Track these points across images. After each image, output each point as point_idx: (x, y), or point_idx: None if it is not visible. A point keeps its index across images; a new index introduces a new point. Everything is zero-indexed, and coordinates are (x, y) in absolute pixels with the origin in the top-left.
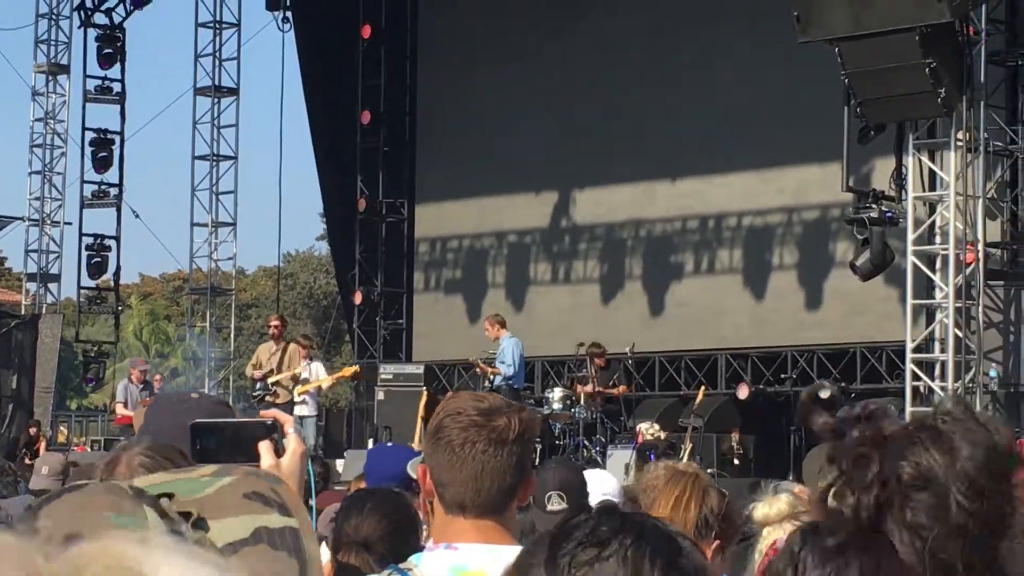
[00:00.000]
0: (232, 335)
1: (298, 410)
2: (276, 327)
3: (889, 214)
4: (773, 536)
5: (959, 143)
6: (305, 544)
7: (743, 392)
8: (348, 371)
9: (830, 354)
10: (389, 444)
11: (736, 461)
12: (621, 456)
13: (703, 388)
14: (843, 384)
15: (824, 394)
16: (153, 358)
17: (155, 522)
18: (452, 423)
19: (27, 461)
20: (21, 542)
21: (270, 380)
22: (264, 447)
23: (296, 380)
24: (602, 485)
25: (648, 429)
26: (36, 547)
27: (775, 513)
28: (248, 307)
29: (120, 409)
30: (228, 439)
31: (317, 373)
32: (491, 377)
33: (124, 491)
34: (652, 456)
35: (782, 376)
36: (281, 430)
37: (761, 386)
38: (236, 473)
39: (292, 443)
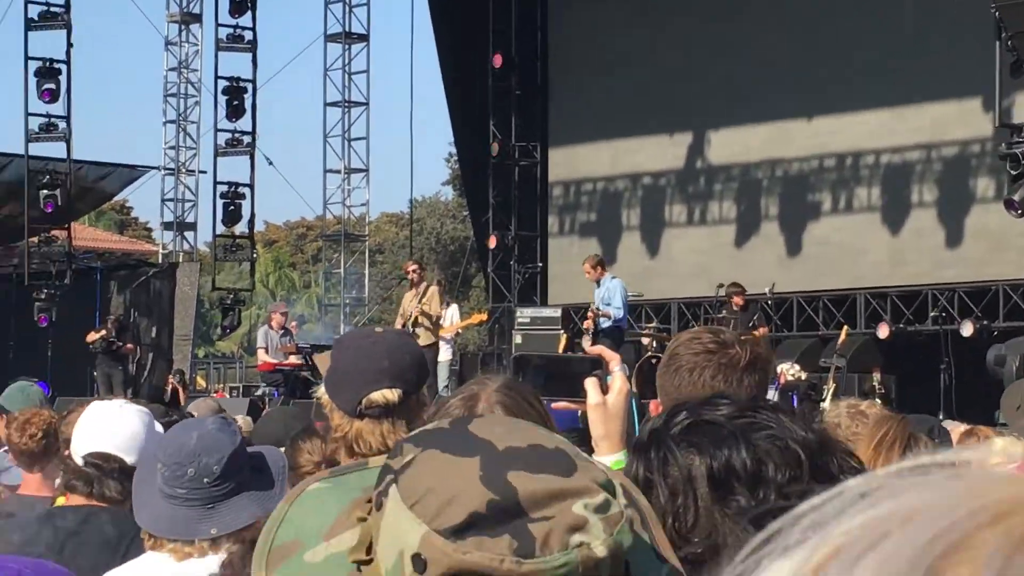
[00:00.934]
0: (365, 280)
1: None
2: (415, 271)
3: None
4: None
5: None
6: (636, 497)
7: (883, 331)
8: (478, 317)
9: (971, 292)
10: None
11: (878, 401)
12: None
13: (845, 328)
14: (985, 322)
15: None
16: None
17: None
18: (686, 350)
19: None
20: None
21: (409, 322)
22: (590, 384)
23: (430, 320)
24: None
25: (789, 370)
26: None
27: (999, 456)
28: (375, 253)
29: (262, 355)
30: (552, 373)
31: (452, 317)
32: (598, 322)
33: None
34: (794, 397)
35: (926, 314)
36: (606, 367)
37: (901, 325)
38: None
39: (618, 381)
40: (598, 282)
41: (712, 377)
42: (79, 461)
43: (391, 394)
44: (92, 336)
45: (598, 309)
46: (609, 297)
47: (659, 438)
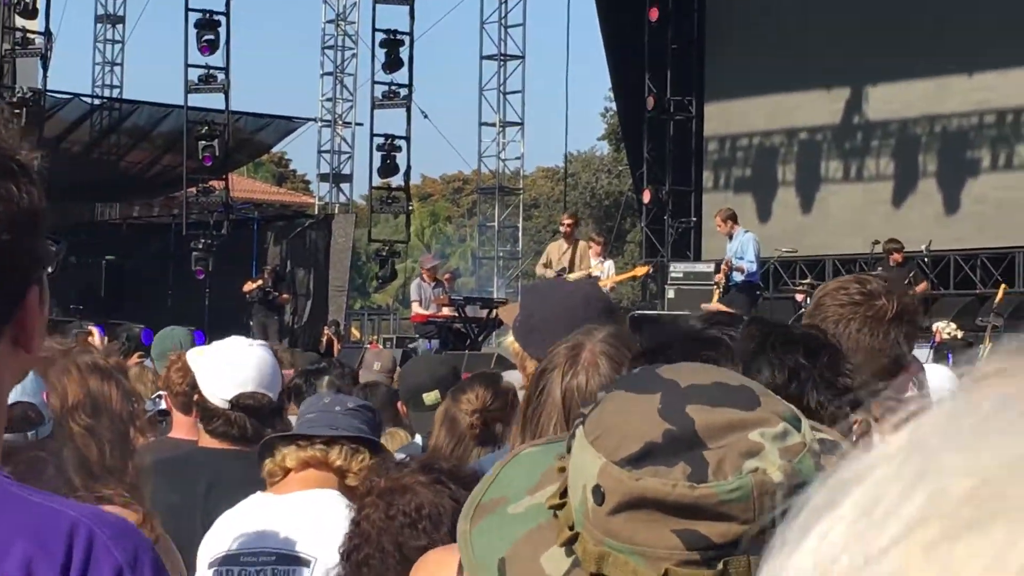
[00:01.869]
0: (520, 234)
1: None
2: (568, 225)
3: None
4: None
5: None
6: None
7: None
8: (640, 270)
9: None
10: None
11: None
12: (919, 355)
13: (1003, 286)
14: None
15: None
16: (435, 258)
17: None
18: (831, 301)
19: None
20: None
21: (568, 278)
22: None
23: (589, 277)
24: (937, 379)
25: (945, 328)
26: None
27: None
28: (529, 207)
29: (416, 308)
30: (668, 332)
31: (608, 271)
32: (730, 276)
33: None
34: (950, 356)
35: None
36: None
37: None
38: None
39: None
40: (730, 236)
41: (858, 330)
42: (219, 403)
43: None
44: (249, 286)
45: (731, 262)
46: (742, 251)
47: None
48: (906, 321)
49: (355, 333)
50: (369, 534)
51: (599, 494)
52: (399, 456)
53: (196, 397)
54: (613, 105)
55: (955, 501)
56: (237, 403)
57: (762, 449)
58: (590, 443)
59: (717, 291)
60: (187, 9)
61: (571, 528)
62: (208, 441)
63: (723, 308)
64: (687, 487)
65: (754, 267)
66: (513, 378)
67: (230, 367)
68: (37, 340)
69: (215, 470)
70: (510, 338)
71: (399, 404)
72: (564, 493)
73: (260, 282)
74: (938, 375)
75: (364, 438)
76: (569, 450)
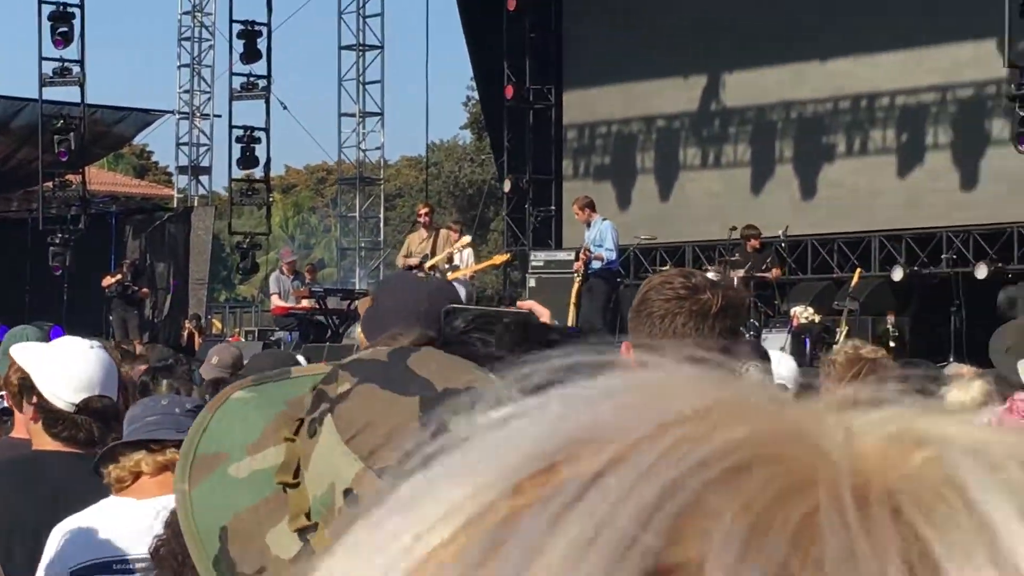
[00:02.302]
0: (381, 224)
1: None
2: (426, 215)
3: None
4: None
5: None
6: None
7: (897, 274)
8: (499, 258)
9: (986, 234)
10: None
11: (892, 344)
12: (776, 340)
13: (859, 271)
14: (1000, 264)
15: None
16: (299, 249)
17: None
18: (656, 296)
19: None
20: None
21: (427, 265)
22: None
23: (450, 263)
24: (783, 370)
25: (803, 313)
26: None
27: (970, 400)
28: (394, 197)
29: (275, 300)
30: (480, 325)
31: (468, 260)
32: (589, 264)
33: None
34: (807, 340)
35: (940, 257)
36: None
37: (915, 268)
38: None
39: None
40: (588, 224)
41: (683, 324)
42: (63, 406)
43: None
44: (108, 280)
45: (589, 251)
46: (600, 239)
47: None
48: (731, 315)
49: (217, 326)
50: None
51: (354, 499)
52: None
53: (34, 399)
54: (475, 94)
55: None
56: (86, 407)
57: None
58: (344, 442)
59: (577, 279)
60: (40, 1)
61: (307, 516)
62: (47, 443)
63: (534, 305)
64: None
65: (613, 255)
66: None
67: (74, 369)
68: None
69: (62, 475)
70: (358, 329)
71: None
72: (297, 471)
73: (119, 276)
74: (784, 365)
75: None
76: (312, 433)
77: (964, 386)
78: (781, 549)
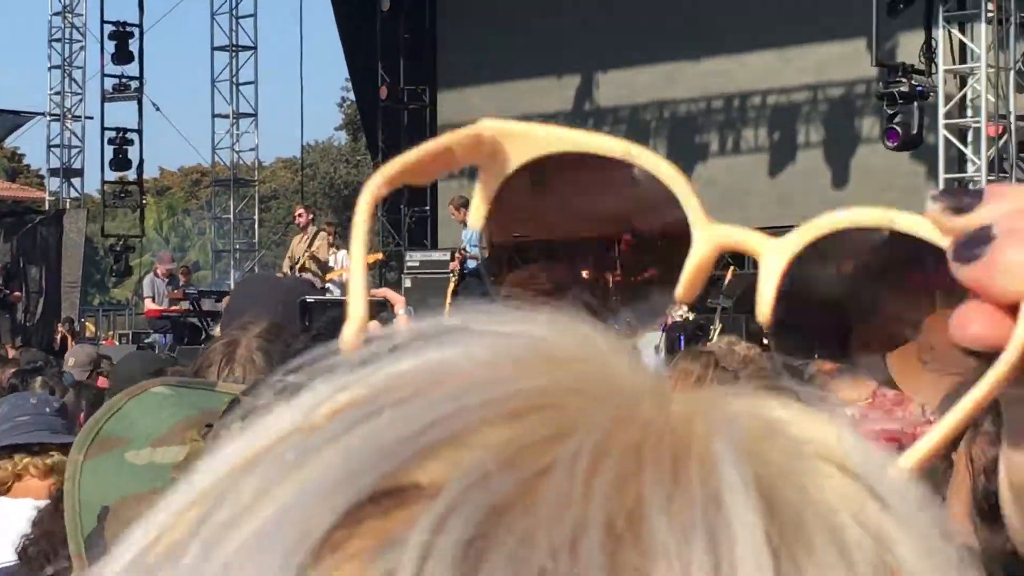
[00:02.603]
0: (256, 226)
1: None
2: (300, 216)
3: (920, 88)
4: None
5: (990, 14)
6: None
7: None
8: (371, 257)
9: None
10: None
11: (765, 341)
12: (650, 338)
13: (732, 268)
14: None
15: None
16: (173, 251)
17: None
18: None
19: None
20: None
21: (297, 267)
22: (373, 327)
23: (318, 263)
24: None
25: (676, 311)
26: None
27: (858, 396)
28: (268, 199)
29: (149, 304)
30: (338, 317)
31: (343, 261)
32: (465, 264)
33: None
34: (681, 338)
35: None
36: (391, 309)
37: None
38: None
39: (400, 324)
40: (464, 224)
41: None
42: None
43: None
44: None
45: (465, 250)
46: (476, 239)
47: None
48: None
49: (90, 329)
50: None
51: None
52: None
53: None
54: (350, 95)
55: None
56: None
57: None
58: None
59: (453, 279)
60: None
61: None
62: None
63: (388, 292)
64: None
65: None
66: None
67: None
68: None
69: None
70: (218, 328)
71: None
72: None
73: None
74: (657, 364)
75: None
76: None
77: (849, 383)
78: (510, 486)
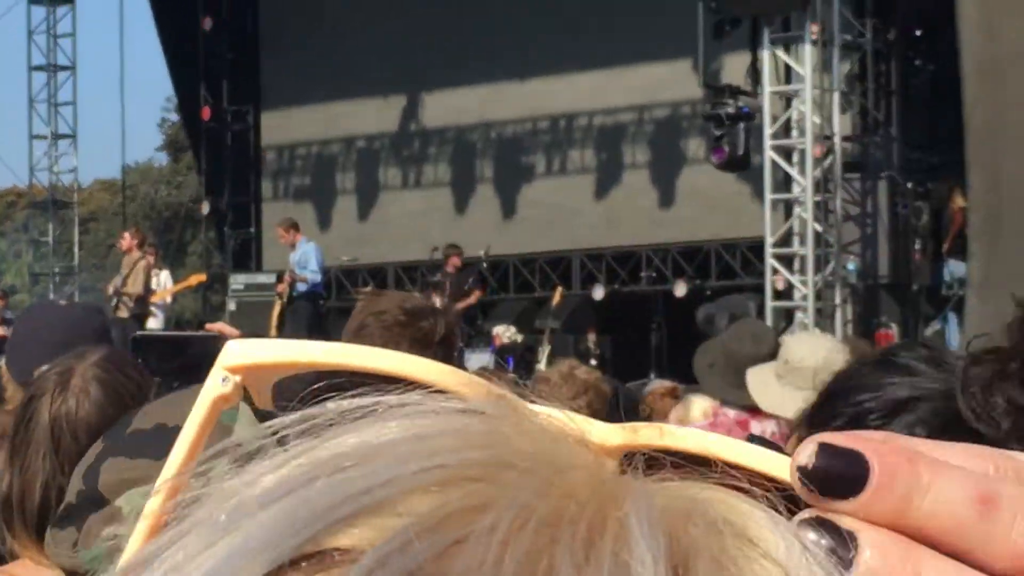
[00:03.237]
0: (76, 248)
1: (149, 323)
2: (125, 240)
3: (745, 109)
4: None
5: (813, 37)
6: None
7: (598, 292)
8: (195, 279)
9: (685, 252)
10: None
11: (593, 361)
12: (479, 360)
13: (559, 289)
14: (698, 282)
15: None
16: None
17: None
18: (375, 322)
19: None
20: None
21: (119, 291)
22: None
23: (130, 295)
24: None
25: (505, 332)
26: None
27: (691, 418)
28: (87, 221)
29: None
30: (171, 353)
31: (164, 283)
32: (294, 285)
33: None
34: (510, 360)
35: (640, 275)
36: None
37: (616, 286)
38: None
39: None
40: (293, 245)
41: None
42: None
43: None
44: None
45: (293, 273)
46: (304, 261)
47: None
48: (451, 342)
49: None
50: None
51: None
52: None
53: None
54: (170, 115)
55: None
56: None
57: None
58: None
59: (279, 302)
60: None
61: None
62: None
63: (224, 327)
64: (67, 556)
65: (318, 277)
66: None
67: None
68: None
69: None
70: (3, 360)
71: None
72: None
73: None
74: None
75: None
76: None
77: (686, 404)
78: (427, 554)
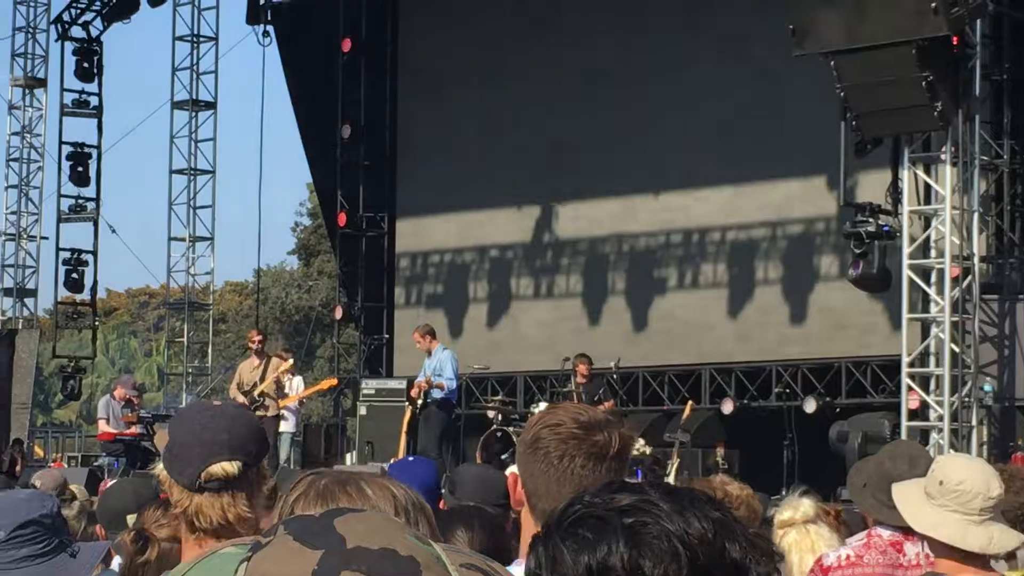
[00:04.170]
0: (209, 349)
1: (281, 426)
2: (259, 341)
3: (886, 228)
4: (794, 538)
5: (954, 157)
6: None
7: (728, 407)
8: (327, 383)
9: (814, 368)
10: (411, 458)
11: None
12: None
13: (690, 403)
14: (828, 399)
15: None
16: (119, 373)
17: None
18: (550, 434)
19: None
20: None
21: (256, 392)
22: None
23: (279, 388)
24: None
25: (634, 445)
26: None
27: (800, 516)
28: (217, 322)
29: (102, 426)
30: None
31: (298, 386)
32: (428, 392)
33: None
34: (639, 472)
35: (770, 390)
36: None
37: (745, 401)
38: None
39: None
40: (429, 352)
41: (581, 466)
42: None
43: (231, 466)
44: None
45: (429, 380)
46: (440, 368)
47: (548, 532)
48: (625, 455)
49: (38, 451)
50: None
51: None
52: None
53: None
54: (303, 220)
55: None
56: None
57: None
58: None
59: (409, 408)
60: None
61: None
62: None
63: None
64: None
65: (453, 384)
66: None
67: None
68: None
69: None
70: (160, 464)
71: (97, 527)
72: None
73: None
74: None
75: None
76: None
77: (793, 504)
78: None
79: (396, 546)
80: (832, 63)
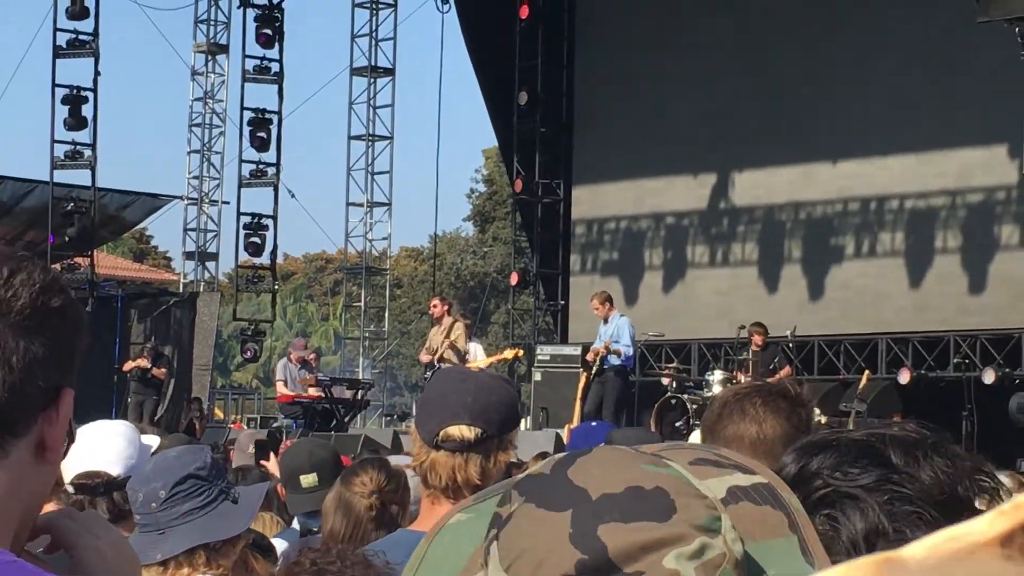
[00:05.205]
0: (386, 314)
1: None
2: (436, 306)
3: None
4: None
5: None
6: (785, 497)
7: (904, 377)
8: (510, 353)
9: (994, 339)
10: (594, 423)
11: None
12: None
13: (867, 372)
14: (1007, 370)
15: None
16: (295, 336)
17: (679, 469)
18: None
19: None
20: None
21: (435, 357)
22: None
23: (457, 354)
24: None
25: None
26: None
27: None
28: (393, 287)
29: (280, 388)
30: None
31: (476, 354)
32: (605, 358)
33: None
34: None
35: (947, 361)
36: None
37: (923, 371)
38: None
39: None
40: (606, 319)
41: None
42: (70, 488)
43: (468, 431)
44: (129, 364)
45: (609, 345)
46: (618, 335)
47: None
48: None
49: (218, 413)
50: None
51: None
52: (277, 543)
53: None
54: (479, 187)
55: None
56: (76, 484)
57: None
58: (504, 570)
59: (585, 374)
60: (54, 84)
61: None
62: None
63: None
64: None
65: (630, 351)
66: (402, 462)
67: (76, 449)
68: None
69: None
70: (413, 423)
71: (278, 487)
72: None
73: (141, 361)
74: None
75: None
76: (485, 563)
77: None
78: None
79: (639, 481)
80: (1017, 30)
